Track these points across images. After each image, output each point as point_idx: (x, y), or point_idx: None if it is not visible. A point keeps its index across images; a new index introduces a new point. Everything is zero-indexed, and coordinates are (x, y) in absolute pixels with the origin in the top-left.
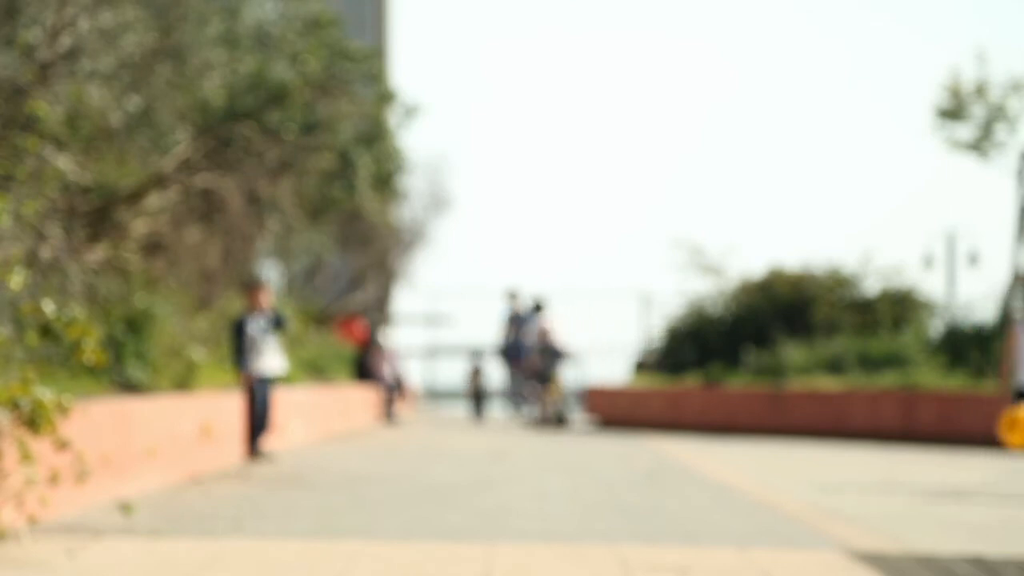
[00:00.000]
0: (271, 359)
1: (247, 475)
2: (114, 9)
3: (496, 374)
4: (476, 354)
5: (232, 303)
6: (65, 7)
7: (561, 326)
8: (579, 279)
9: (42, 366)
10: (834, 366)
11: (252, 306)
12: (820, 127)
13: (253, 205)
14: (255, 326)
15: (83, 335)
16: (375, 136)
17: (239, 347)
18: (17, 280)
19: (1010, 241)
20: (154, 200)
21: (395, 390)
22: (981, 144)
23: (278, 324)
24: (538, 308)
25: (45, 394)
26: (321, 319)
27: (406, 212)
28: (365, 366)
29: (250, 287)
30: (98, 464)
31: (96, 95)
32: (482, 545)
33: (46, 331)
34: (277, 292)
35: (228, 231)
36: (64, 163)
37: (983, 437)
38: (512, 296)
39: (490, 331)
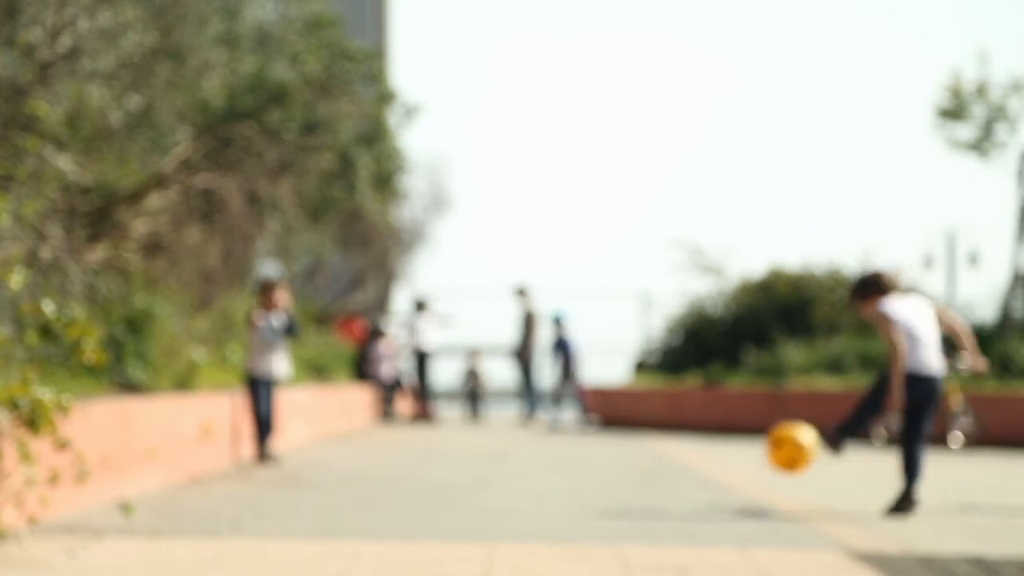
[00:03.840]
0: (278, 362)
1: (247, 475)
2: (114, 9)
3: (496, 374)
4: (471, 354)
5: (232, 303)
6: (65, 7)
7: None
8: (579, 279)
9: (42, 366)
10: (834, 366)
11: (267, 305)
12: (821, 127)
13: (253, 205)
14: (267, 326)
15: (83, 335)
16: (375, 136)
17: (252, 341)
18: (17, 280)
19: (1010, 241)
20: (154, 200)
21: (395, 389)
22: (981, 144)
23: (290, 330)
24: (420, 307)
25: (45, 394)
26: (321, 319)
27: (406, 212)
28: (365, 365)
29: (265, 286)
30: (98, 464)
31: (96, 95)
32: (482, 545)
33: (46, 331)
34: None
35: (228, 231)
36: (64, 163)
37: (983, 437)
38: (521, 293)
39: (489, 331)
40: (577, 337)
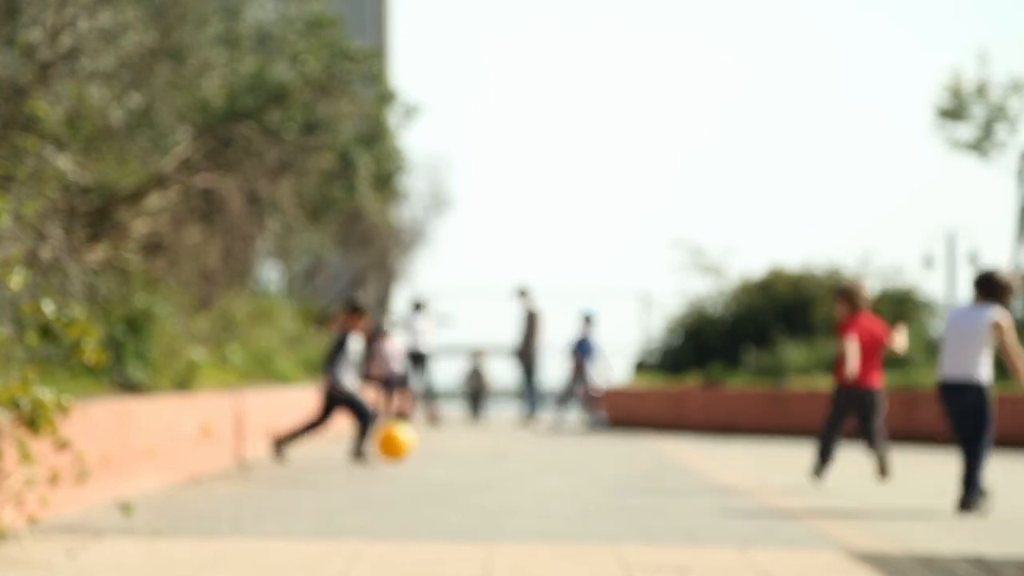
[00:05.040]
0: (351, 377)
1: (247, 475)
2: (114, 9)
3: (498, 373)
4: (475, 354)
5: (232, 303)
6: (65, 7)
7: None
8: (579, 279)
9: (42, 366)
10: (834, 366)
11: (351, 327)
12: (821, 128)
13: (253, 205)
14: (355, 347)
15: (83, 335)
16: (375, 136)
17: (337, 357)
18: (17, 280)
19: (1010, 241)
20: (154, 200)
21: (394, 389)
22: (981, 144)
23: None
24: (418, 307)
25: (45, 394)
26: (321, 319)
27: (406, 212)
28: (369, 365)
29: (355, 310)
30: (98, 464)
31: (96, 95)
32: (482, 545)
33: (46, 331)
34: (277, 292)
35: (228, 231)
36: (64, 163)
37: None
38: (522, 294)
39: (489, 331)
40: (600, 338)
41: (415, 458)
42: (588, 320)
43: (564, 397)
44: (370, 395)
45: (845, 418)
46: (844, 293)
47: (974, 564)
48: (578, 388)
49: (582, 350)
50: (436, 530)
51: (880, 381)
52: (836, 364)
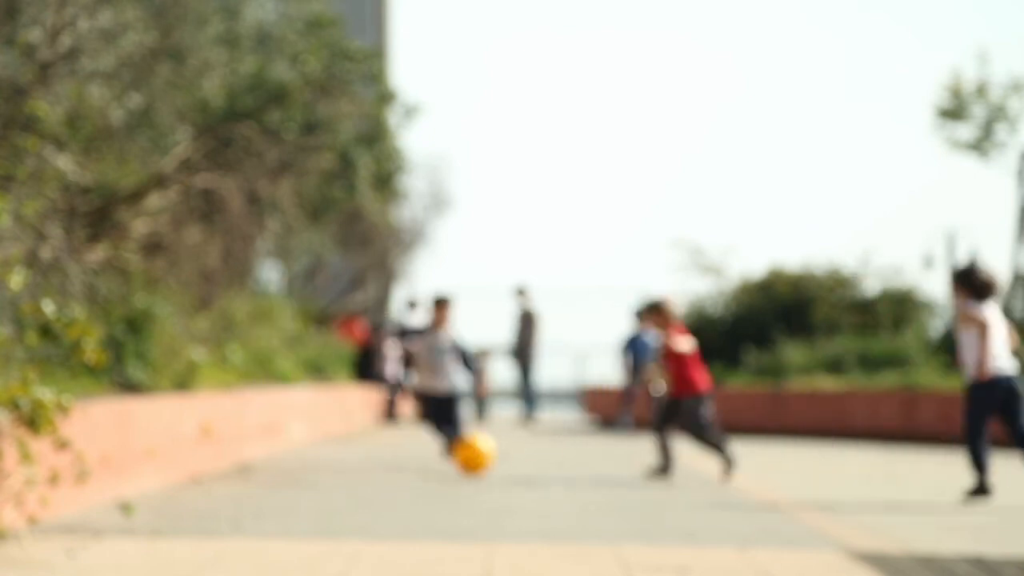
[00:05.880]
0: (444, 378)
1: (247, 475)
2: (114, 9)
3: (501, 374)
4: (479, 354)
5: (232, 303)
6: (65, 7)
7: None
8: (579, 279)
9: (42, 366)
10: (834, 366)
11: (436, 324)
12: (821, 128)
13: (253, 205)
14: (430, 344)
15: (83, 335)
16: (375, 136)
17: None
18: (17, 280)
19: (1010, 241)
20: (154, 200)
21: (398, 390)
22: (981, 144)
23: (465, 361)
24: (412, 306)
25: (45, 394)
26: (321, 319)
27: (406, 212)
28: (365, 366)
29: (440, 302)
30: (98, 464)
31: (96, 95)
32: (482, 545)
33: (46, 331)
34: (277, 292)
35: (228, 231)
36: (64, 163)
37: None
38: (520, 293)
39: (489, 331)
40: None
41: (414, 458)
42: (640, 317)
43: (627, 398)
44: (369, 395)
45: (704, 419)
46: (657, 309)
47: (974, 564)
48: (635, 388)
49: (635, 348)
50: (436, 530)
51: (706, 384)
52: (677, 379)
